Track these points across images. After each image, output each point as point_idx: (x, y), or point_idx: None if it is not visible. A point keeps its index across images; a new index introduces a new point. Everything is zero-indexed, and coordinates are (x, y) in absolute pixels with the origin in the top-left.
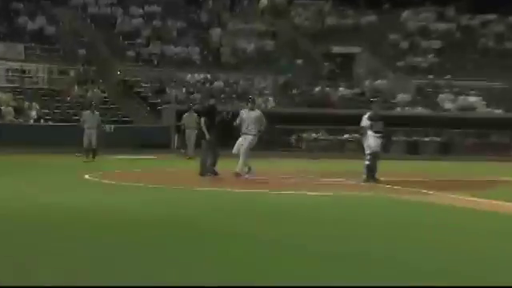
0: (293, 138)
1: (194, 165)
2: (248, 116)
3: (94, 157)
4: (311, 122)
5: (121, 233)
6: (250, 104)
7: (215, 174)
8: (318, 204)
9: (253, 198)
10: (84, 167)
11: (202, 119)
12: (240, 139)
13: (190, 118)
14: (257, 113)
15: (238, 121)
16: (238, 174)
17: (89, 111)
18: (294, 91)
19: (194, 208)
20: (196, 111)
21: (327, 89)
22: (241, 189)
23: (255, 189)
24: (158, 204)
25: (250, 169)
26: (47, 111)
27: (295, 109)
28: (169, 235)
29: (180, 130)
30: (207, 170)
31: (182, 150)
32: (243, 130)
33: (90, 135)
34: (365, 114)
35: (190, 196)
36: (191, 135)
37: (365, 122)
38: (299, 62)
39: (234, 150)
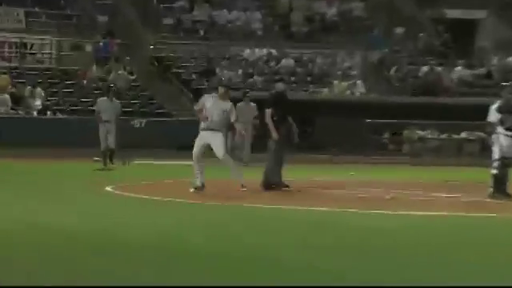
0: (387, 136)
1: (252, 174)
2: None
3: (111, 160)
4: (415, 115)
5: (161, 271)
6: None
7: (283, 186)
8: (429, 229)
9: (338, 220)
10: (103, 176)
11: (267, 112)
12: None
13: (245, 110)
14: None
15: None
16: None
17: (106, 98)
18: (392, 72)
19: (262, 236)
20: (255, 100)
21: (438, 69)
22: (320, 206)
23: (339, 207)
24: (210, 228)
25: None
26: (55, 99)
27: (393, 97)
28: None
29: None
30: (273, 182)
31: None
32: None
33: (108, 130)
34: (493, 104)
35: (252, 217)
36: (246, 133)
37: (493, 115)
38: (399, 31)
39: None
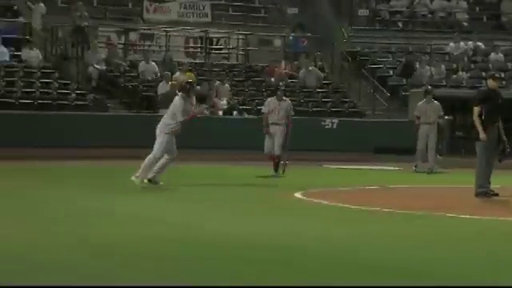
0: None
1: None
2: None
3: (276, 169)
4: None
5: None
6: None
7: (492, 193)
8: None
9: None
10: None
11: (475, 109)
12: None
13: (428, 109)
14: None
15: None
16: None
17: (274, 97)
18: None
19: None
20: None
21: None
22: None
23: None
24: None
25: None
26: (241, 99)
27: None
28: None
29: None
30: (481, 187)
31: (438, 156)
32: None
33: (275, 134)
34: None
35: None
36: (430, 133)
37: None
38: None
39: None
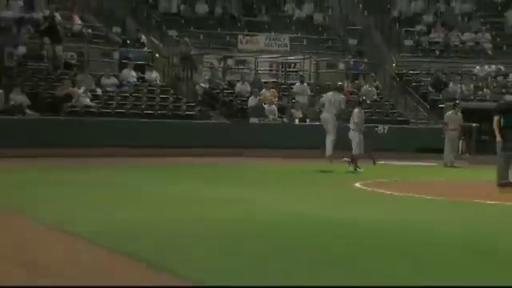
0: None
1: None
2: None
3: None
4: None
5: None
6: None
7: (510, 183)
8: None
9: None
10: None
11: (495, 118)
12: None
13: (454, 118)
14: None
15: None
16: None
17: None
18: None
19: None
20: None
21: None
22: None
23: None
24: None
25: None
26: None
27: None
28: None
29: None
30: (502, 179)
31: (467, 155)
32: None
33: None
34: None
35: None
36: (454, 137)
37: None
38: None
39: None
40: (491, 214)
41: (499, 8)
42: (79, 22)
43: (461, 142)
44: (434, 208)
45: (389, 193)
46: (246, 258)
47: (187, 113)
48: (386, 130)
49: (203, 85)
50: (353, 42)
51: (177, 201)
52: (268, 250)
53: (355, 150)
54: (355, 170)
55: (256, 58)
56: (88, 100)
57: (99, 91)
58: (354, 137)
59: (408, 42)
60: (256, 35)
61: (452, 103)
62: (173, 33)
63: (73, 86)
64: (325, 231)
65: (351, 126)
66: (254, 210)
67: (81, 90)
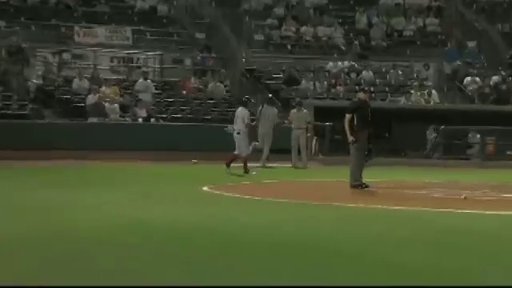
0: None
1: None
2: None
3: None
4: (485, 122)
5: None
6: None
7: (364, 186)
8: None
9: (422, 217)
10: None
11: (346, 117)
12: None
13: (296, 116)
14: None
15: None
16: None
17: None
18: (465, 83)
19: (352, 234)
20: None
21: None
22: (405, 206)
23: (425, 206)
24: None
25: None
26: (160, 108)
27: (466, 105)
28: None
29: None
30: (356, 181)
31: (320, 155)
32: None
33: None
34: None
35: (346, 217)
36: (297, 136)
37: None
38: (472, 45)
39: None
40: (324, 215)
41: (351, 2)
42: None
43: (314, 142)
44: (261, 209)
45: (229, 194)
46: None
47: (19, 112)
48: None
49: (36, 81)
50: (200, 35)
51: None
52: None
53: (243, 152)
54: (247, 172)
55: (95, 52)
56: None
57: None
58: (243, 138)
59: (258, 37)
60: (95, 27)
61: (296, 101)
62: (1, 23)
63: None
64: (159, 234)
65: (239, 127)
66: (77, 217)
67: None
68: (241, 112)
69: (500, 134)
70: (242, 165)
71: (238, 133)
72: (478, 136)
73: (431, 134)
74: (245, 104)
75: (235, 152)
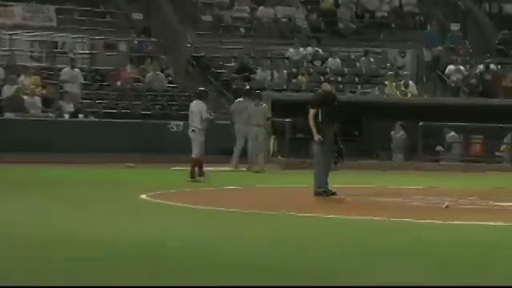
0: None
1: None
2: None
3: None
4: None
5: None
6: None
7: (330, 193)
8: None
9: (403, 229)
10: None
11: (311, 112)
12: None
13: (256, 111)
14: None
15: None
16: None
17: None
18: (447, 72)
19: (321, 248)
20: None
21: (496, 68)
22: (378, 216)
23: (403, 217)
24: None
25: None
26: (89, 102)
27: (448, 99)
28: None
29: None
30: (320, 187)
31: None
32: None
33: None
34: None
35: (308, 227)
36: (258, 135)
37: None
38: (455, 27)
39: None
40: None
41: None
42: None
43: (272, 141)
44: (202, 220)
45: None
46: None
47: None
48: (180, 128)
49: None
50: (137, 16)
51: None
52: None
53: (197, 153)
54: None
55: (11, 36)
56: None
57: None
58: (198, 137)
59: (206, 18)
60: (11, 5)
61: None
62: None
63: None
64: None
65: (195, 124)
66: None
67: None
68: (196, 106)
69: (488, 131)
70: (190, 168)
71: (193, 130)
72: (453, 134)
73: (398, 133)
74: (202, 97)
75: (193, 155)
